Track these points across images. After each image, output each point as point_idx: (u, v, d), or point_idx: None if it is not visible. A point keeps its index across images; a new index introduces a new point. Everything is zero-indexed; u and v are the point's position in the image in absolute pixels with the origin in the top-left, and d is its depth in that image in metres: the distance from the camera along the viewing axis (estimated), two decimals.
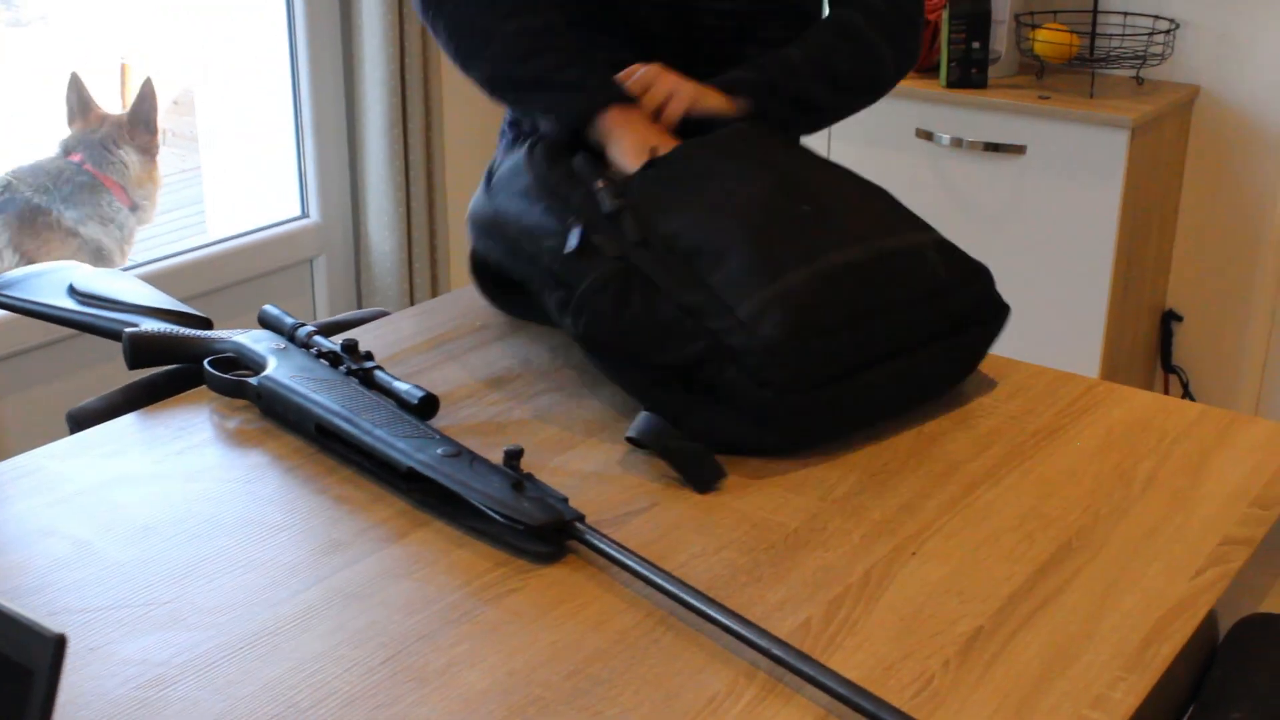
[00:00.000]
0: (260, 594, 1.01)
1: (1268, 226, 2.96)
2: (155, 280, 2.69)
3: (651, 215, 1.29)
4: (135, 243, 2.90)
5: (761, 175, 1.34)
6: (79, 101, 2.81)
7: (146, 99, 2.84)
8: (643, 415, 1.18)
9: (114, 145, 2.78)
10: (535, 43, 1.47)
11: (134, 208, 2.83)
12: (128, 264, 2.82)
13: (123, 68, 3.27)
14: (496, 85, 1.51)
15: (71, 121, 2.81)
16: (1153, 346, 3.12)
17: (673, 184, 1.33)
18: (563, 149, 1.41)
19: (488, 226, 1.41)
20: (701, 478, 1.15)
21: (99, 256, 2.79)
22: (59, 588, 1.02)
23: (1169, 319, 3.10)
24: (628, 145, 1.40)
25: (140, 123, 2.83)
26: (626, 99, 1.44)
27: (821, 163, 1.45)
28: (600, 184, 1.32)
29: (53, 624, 0.67)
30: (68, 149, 2.77)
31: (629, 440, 1.18)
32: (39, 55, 3.59)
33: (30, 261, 2.64)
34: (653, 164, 1.35)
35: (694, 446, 1.16)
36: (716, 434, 1.21)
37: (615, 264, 1.26)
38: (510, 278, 1.40)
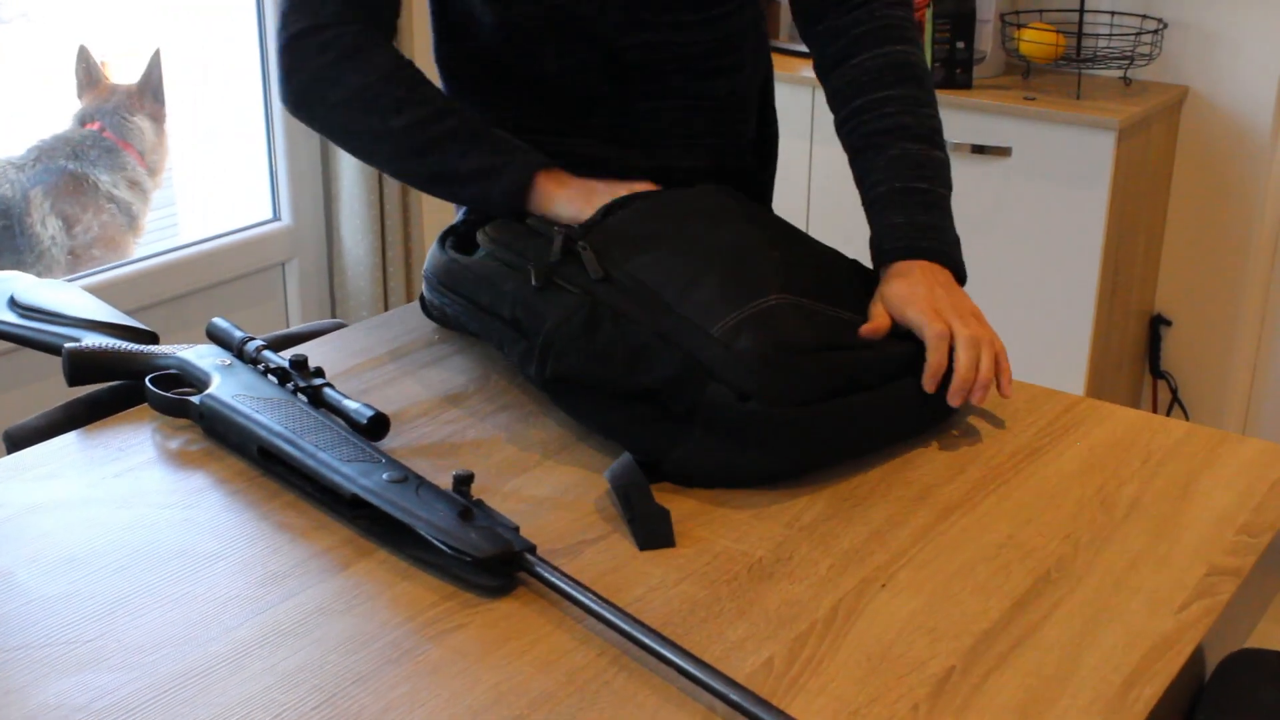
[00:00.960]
0: (190, 631, 0.95)
1: (1257, 229, 2.91)
2: (123, 286, 2.65)
3: (614, 254, 1.24)
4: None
5: (731, 225, 1.30)
6: (87, 73, 2.87)
7: (155, 69, 2.88)
8: (623, 459, 1.12)
9: (128, 113, 2.85)
10: (427, 133, 1.35)
11: (151, 172, 2.88)
12: (140, 236, 2.88)
13: (102, 65, 3.25)
14: (406, 180, 1.44)
15: (81, 94, 2.87)
16: (1141, 351, 3.07)
17: (637, 226, 1.27)
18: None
19: (443, 277, 1.35)
20: (649, 538, 1.07)
21: (130, 218, 2.87)
22: None
23: (1157, 323, 3.05)
24: (571, 195, 1.34)
25: (149, 91, 2.88)
26: (547, 164, 1.35)
27: (794, 229, 1.40)
28: (558, 230, 1.27)
29: None
30: (83, 119, 2.85)
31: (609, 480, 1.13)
32: (20, 51, 3.56)
33: (71, 226, 2.73)
34: (614, 210, 1.29)
35: (657, 509, 1.09)
36: (701, 466, 1.14)
37: (580, 297, 1.21)
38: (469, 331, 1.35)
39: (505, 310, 1.26)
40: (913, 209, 1.35)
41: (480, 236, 1.35)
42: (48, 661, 0.92)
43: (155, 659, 0.92)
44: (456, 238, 1.39)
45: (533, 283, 1.24)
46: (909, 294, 1.27)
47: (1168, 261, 3.03)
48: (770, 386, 1.13)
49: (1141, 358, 3.08)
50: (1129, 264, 2.87)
